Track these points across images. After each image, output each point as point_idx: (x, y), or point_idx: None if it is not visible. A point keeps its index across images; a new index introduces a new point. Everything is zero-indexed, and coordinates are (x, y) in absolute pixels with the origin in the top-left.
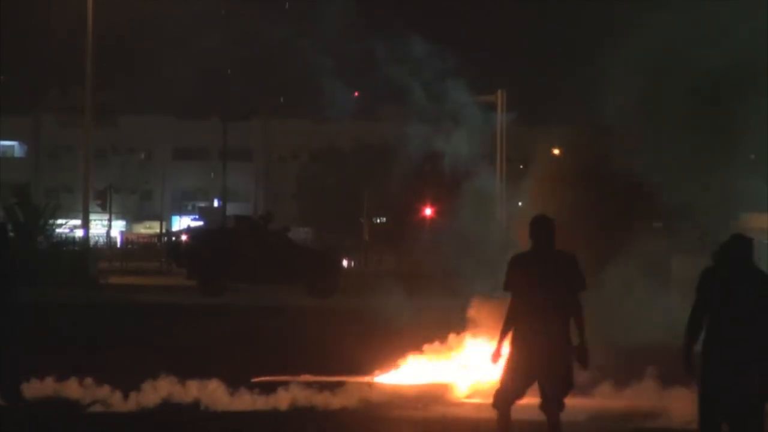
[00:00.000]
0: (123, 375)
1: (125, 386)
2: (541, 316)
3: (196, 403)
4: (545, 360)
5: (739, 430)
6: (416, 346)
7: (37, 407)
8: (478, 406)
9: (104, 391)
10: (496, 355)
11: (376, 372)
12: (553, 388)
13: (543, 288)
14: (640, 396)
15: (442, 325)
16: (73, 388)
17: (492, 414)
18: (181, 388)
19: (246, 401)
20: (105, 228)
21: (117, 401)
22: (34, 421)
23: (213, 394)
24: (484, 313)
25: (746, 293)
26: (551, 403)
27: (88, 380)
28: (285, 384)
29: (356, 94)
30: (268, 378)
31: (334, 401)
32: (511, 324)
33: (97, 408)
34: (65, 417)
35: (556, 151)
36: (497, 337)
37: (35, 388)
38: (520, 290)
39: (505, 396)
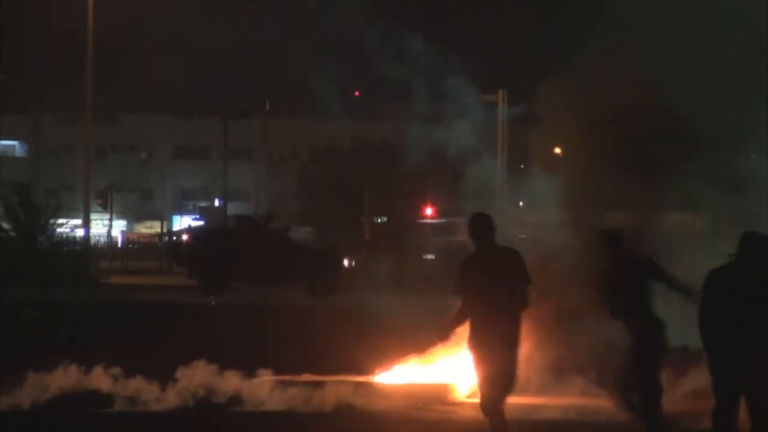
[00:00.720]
0: (122, 374)
1: (124, 385)
2: (495, 315)
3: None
4: (502, 357)
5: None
6: (415, 345)
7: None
8: (478, 405)
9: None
10: (444, 337)
11: (376, 371)
12: (500, 386)
13: (494, 287)
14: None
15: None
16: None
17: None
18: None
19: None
20: (106, 227)
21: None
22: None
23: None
24: None
25: (749, 283)
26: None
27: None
28: (285, 383)
29: (357, 93)
30: (268, 378)
31: (334, 400)
32: (460, 320)
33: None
34: (69, 416)
35: (558, 150)
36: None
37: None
38: (472, 292)
39: (486, 402)
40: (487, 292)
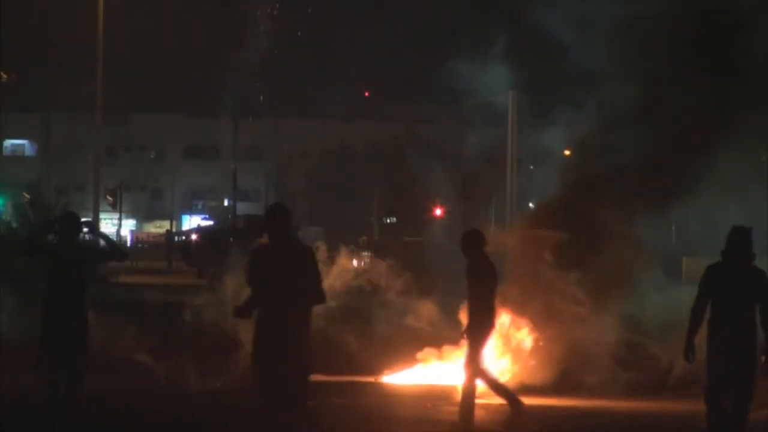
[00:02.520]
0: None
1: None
2: (284, 309)
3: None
4: (286, 350)
5: (739, 404)
6: (423, 347)
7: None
8: (485, 406)
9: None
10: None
11: (385, 372)
12: (290, 377)
13: (285, 281)
14: None
15: (448, 325)
16: None
17: (498, 414)
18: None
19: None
20: (115, 227)
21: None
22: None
23: None
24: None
25: (742, 282)
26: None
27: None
28: None
29: (367, 94)
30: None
31: (343, 400)
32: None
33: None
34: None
35: (567, 152)
36: None
37: None
38: (263, 284)
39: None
40: (278, 285)
